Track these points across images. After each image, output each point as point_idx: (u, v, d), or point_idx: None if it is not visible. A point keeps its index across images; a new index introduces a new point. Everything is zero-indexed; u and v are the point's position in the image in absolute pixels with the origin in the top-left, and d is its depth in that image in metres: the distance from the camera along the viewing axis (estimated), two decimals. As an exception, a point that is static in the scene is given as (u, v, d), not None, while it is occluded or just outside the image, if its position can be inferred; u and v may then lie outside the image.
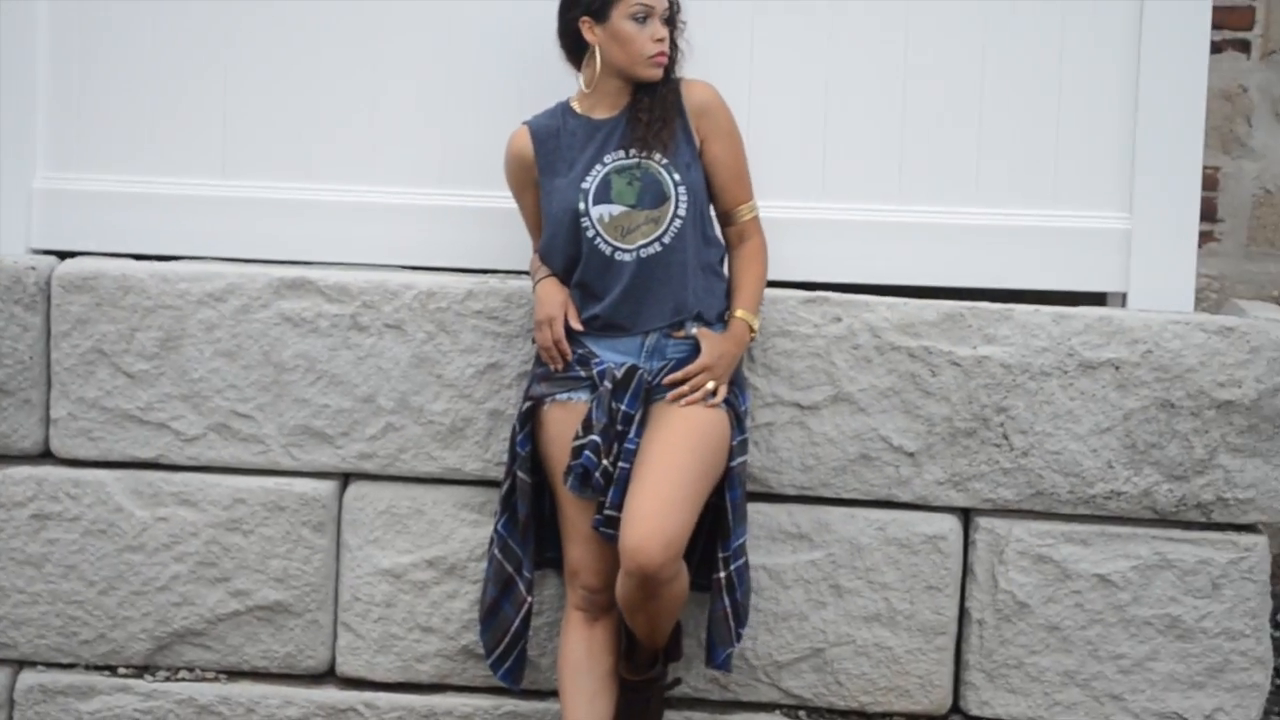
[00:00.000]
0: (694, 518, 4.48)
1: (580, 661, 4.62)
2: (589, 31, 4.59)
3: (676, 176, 4.56)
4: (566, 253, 4.61)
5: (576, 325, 4.61)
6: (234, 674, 5.03)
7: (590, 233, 4.55)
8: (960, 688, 4.94)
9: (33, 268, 5.00)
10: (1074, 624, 4.86)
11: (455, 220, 5.06)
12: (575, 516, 4.60)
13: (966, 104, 5.00)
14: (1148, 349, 4.81)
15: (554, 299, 4.63)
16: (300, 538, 4.97)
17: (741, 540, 4.64)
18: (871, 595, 4.89)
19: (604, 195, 4.57)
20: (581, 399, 4.58)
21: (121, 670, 5.03)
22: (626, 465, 4.48)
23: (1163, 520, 4.86)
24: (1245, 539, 4.86)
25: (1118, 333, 4.82)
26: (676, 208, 4.55)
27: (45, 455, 5.04)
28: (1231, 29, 5.71)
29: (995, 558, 4.88)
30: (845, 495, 4.90)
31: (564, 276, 4.64)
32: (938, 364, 4.85)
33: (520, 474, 4.66)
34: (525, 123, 4.70)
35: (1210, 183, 5.65)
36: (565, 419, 4.58)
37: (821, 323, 4.86)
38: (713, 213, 4.70)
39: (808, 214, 5.01)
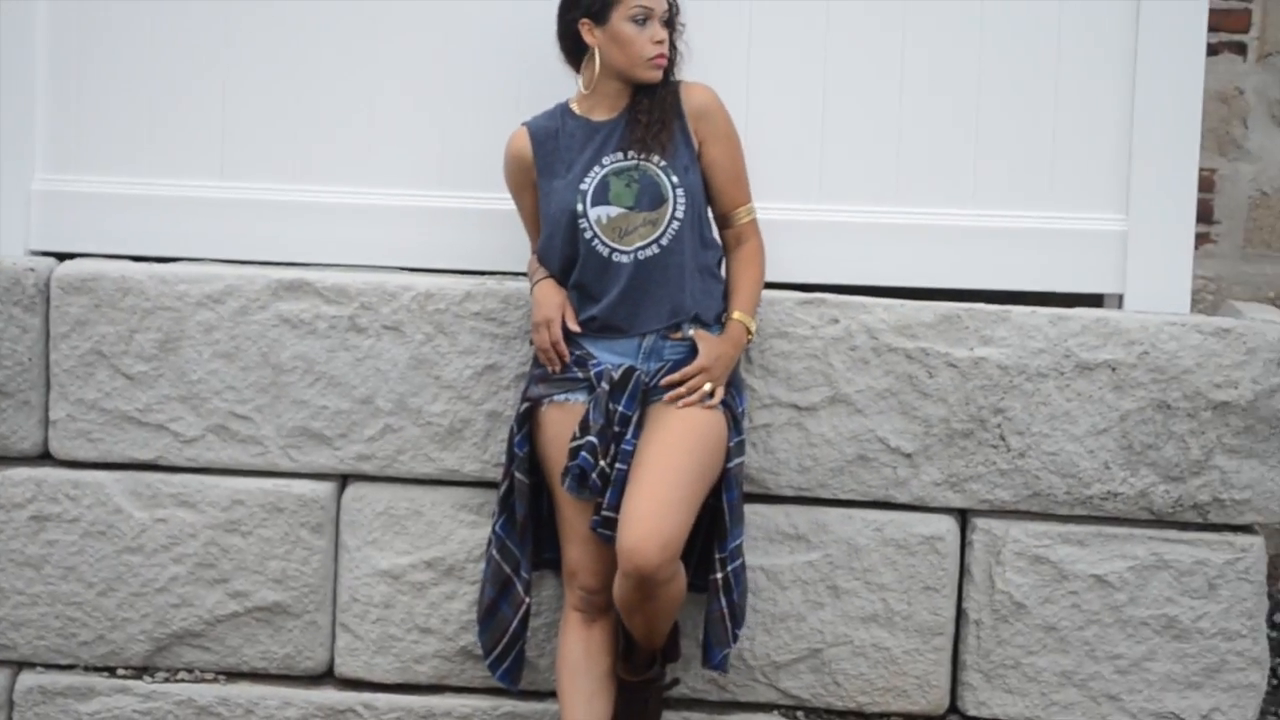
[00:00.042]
0: (691, 519, 4.49)
1: (578, 662, 4.63)
2: (588, 33, 4.60)
3: (674, 179, 4.57)
4: (564, 254, 4.62)
5: (574, 327, 4.61)
6: (233, 675, 5.04)
7: (588, 234, 4.56)
8: (957, 688, 4.95)
9: (32, 269, 5.01)
10: (1071, 624, 4.87)
11: (454, 222, 5.06)
12: (573, 517, 4.61)
13: (963, 106, 5.01)
14: (1144, 350, 4.82)
15: (552, 300, 4.63)
16: (299, 539, 4.97)
17: (738, 541, 4.64)
18: (869, 596, 4.90)
19: (602, 197, 4.57)
20: (579, 400, 4.59)
21: (120, 671, 5.04)
22: (624, 466, 4.49)
23: (1159, 521, 4.87)
24: (1241, 540, 4.86)
25: (1114, 334, 4.83)
26: (674, 210, 4.56)
27: (44, 457, 5.05)
28: (1228, 31, 5.71)
29: (992, 558, 4.88)
30: (843, 496, 4.90)
31: (561, 278, 4.65)
32: (935, 365, 4.85)
33: (518, 475, 4.66)
34: (524, 124, 4.71)
35: (1206, 185, 5.66)
36: (563, 420, 4.59)
37: (819, 324, 4.87)
38: (710, 215, 4.71)
39: (805, 216, 5.01)
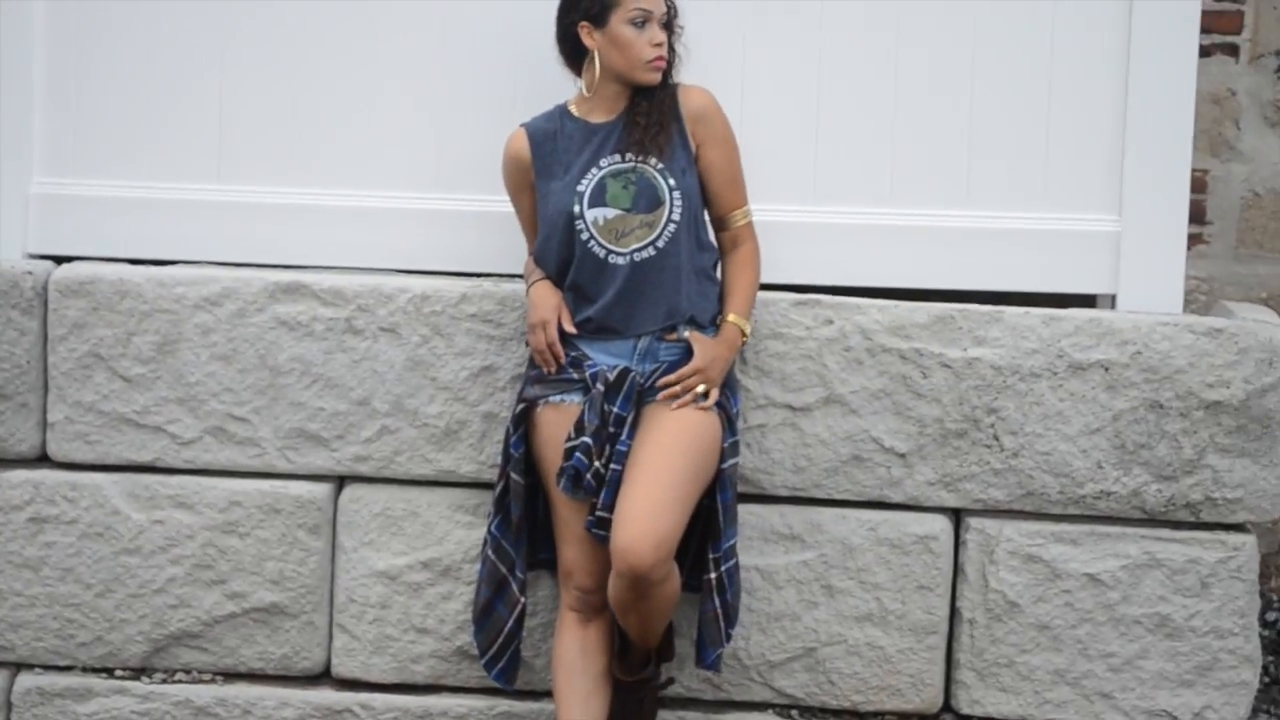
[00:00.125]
0: (685, 519, 4.50)
1: (574, 662, 4.64)
2: (587, 36, 4.61)
3: (671, 181, 4.59)
4: (561, 255, 4.63)
5: (570, 328, 4.63)
6: (230, 676, 5.05)
7: (585, 235, 4.58)
8: (951, 687, 4.96)
9: (29, 272, 5.02)
10: (1064, 623, 4.88)
11: (450, 224, 5.07)
12: (569, 518, 4.62)
13: (957, 107, 5.02)
14: (1137, 350, 4.84)
15: (548, 302, 4.65)
16: (296, 540, 4.99)
17: (732, 542, 4.66)
18: (863, 595, 4.91)
19: (599, 199, 4.59)
20: (574, 401, 4.61)
21: (118, 672, 5.05)
22: (618, 467, 4.51)
23: (1152, 520, 4.89)
24: (1234, 538, 4.88)
25: (1107, 334, 4.84)
26: (671, 212, 4.58)
27: (42, 459, 5.06)
28: (1220, 33, 5.72)
29: (986, 557, 4.90)
30: (837, 496, 4.91)
31: (558, 279, 4.66)
32: (929, 366, 4.87)
33: (514, 475, 4.68)
34: (522, 125, 4.72)
35: (1199, 186, 5.66)
36: (558, 421, 4.61)
37: (813, 325, 4.89)
38: (707, 217, 4.72)
39: (799, 217, 5.02)
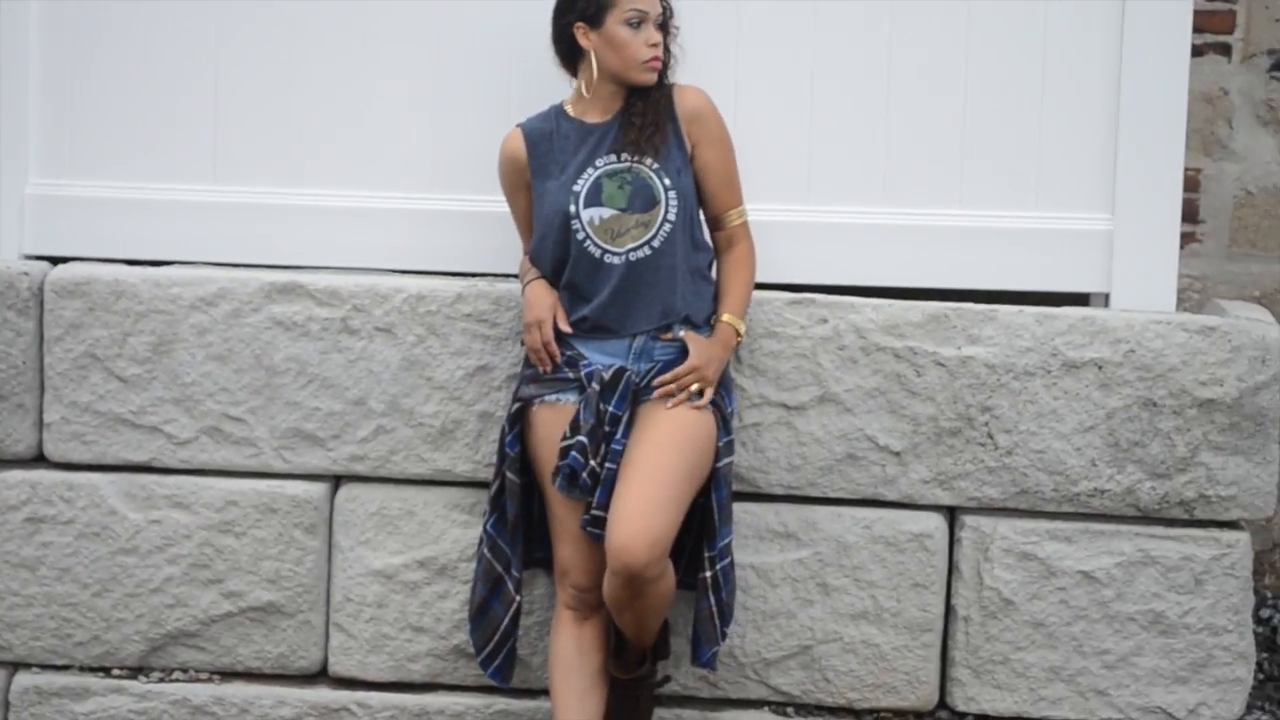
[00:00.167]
0: (679, 517, 4.51)
1: (570, 660, 4.65)
2: (583, 37, 4.62)
3: (667, 181, 4.60)
4: (556, 254, 4.64)
5: (565, 327, 4.64)
6: (227, 675, 5.06)
7: (580, 235, 4.59)
8: (946, 684, 4.97)
9: (26, 273, 5.02)
10: (1059, 620, 4.90)
11: (445, 224, 5.08)
12: (564, 516, 4.63)
13: (950, 107, 5.03)
14: (1130, 348, 4.85)
15: (543, 301, 4.66)
16: (292, 539, 5.00)
17: (727, 540, 4.67)
18: (858, 593, 4.93)
19: (595, 198, 4.60)
20: (570, 400, 4.62)
21: (116, 672, 5.06)
22: (613, 466, 4.52)
23: (1146, 517, 4.90)
24: (1227, 535, 4.89)
25: (1101, 332, 4.86)
26: (666, 212, 4.59)
27: (39, 459, 5.07)
28: (1213, 33, 5.73)
29: (980, 555, 4.91)
30: (832, 494, 4.93)
31: (553, 278, 4.67)
32: (923, 364, 4.88)
33: (509, 474, 4.69)
34: (519, 125, 4.73)
35: (1192, 185, 5.67)
36: (554, 420, 4.62)
37: (808, 324, 4.90)
38: (702, 217, 4.73)
39: (793, 216, 5.03)
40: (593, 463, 4.52)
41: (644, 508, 4.42)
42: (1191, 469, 4.86)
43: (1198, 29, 5.30)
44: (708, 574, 4.63)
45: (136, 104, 5.14)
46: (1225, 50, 5.76)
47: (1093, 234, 5.02)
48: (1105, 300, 5.03)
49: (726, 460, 4.66)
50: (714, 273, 4.74)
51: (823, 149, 5.06)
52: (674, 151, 4.62)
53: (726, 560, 4.66)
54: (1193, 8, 5.00)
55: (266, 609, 5.01)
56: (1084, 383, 4.85)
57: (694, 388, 4.57)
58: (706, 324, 4.68)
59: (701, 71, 4.80)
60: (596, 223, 4.59)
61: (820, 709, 4.98)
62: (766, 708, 4.99)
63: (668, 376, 4.57)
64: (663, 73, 4.64)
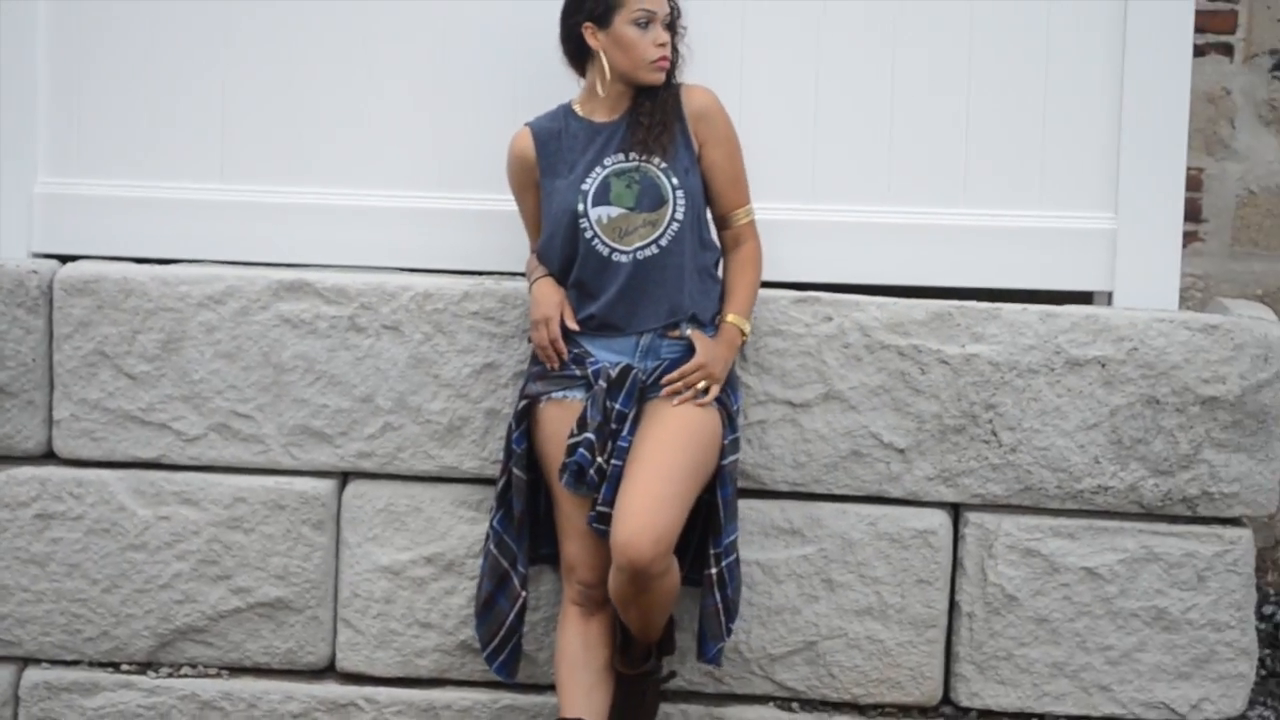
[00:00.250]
0: (684, 514, 4.53)
1: (577, 655, 4.67)
2: (592, 37, 4.63)
3: (675, 180, 4.61)
4: (564, 253, 4.66)
5: (572, 325, 4.65)
6: (236, 670, 5.07)
7: (588, 234, 4.60)
8: (951, 679, 4.99)
9: (35, 271, 5.04)
10: (1062, 616, 4.91)
11: (452, 223, 5.09)
12: (571, 513, 4.65)
13: (953, 107, 5.04)
14: (1133, 346, 4.86)
15: (550, 299, 4.68)
16: (300, 535, 5.01)
17: (733, 537, 4.68)
18: (863, 589, 4.94)
19: (603, 197, 4.61)
20: (577, 397, 4.64)
21: (125, 667, 5.07)
22: (619, 463, 4.53)
23: (1149, 514, 4.91)
24: (1230, 532, 4.91)
25: (1104, 331, 4.87)
26: (674, 211, 4.61)
27: (48, 456, 5.08)
28: (1215, 33, 5.73)
29: (984, 552, 4.93)
30: (837, 491, 4.94)
31: (560, 276, 4.69)
32: (927, 362, 4.90)
33: (516, 471, 4.70)
34: (527, 124, 4.74)
35: (1194, 184, 5.68)
36: (561, 417, 4.64)
37: (812, 322, 4.91)
38: (709, 216, 4.76)
39: (798, 215, 5.04)
40: (599, 459, 4.54)
41: (649, 504, 4.44)
42: (1194, 466, 4.87)
43: (1199, 29, 5.31)
44: (713, 570, 4.65)
45: (143, 103, 5.16)
46: (1227, 50, 5.77)
47: (1096, 233, 5.03)
48: (1108, 299, 5.04)
49: (732, 457, 4.68)
50: (721, 271, 4.76)
51: (827, 148, 5.07)
52: (681, 151, 4.64)
53: (732, 557, 4.68)
54: (1194, 8, 5.00)
55: (275, 605, 5.03)
56: (1087, 380, 4.87)
57: (701, 385, 4.59)
58: (713, 323, 4.69)
59: (707, 71, 4.80)
60: (604, 221, 4.61)
61: (825, 704, 5.00)
62: (771, 703, 5.00)
63: (674, 375, 4.59)
64: (670, 72, 4.66)
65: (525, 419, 4.70)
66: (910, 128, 5.06)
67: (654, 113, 4.63)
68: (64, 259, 5.13)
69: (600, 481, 4.55)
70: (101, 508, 5.03)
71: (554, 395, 4.66)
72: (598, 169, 4.63)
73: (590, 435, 4.54)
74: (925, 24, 5.04)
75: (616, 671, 4.71)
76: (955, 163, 5.06)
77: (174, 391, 5.01)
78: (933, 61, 5.05)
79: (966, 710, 4.99)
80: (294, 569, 5.02)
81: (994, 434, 4.89)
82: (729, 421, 4.67)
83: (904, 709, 4.99)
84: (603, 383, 4.59)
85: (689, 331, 4.63)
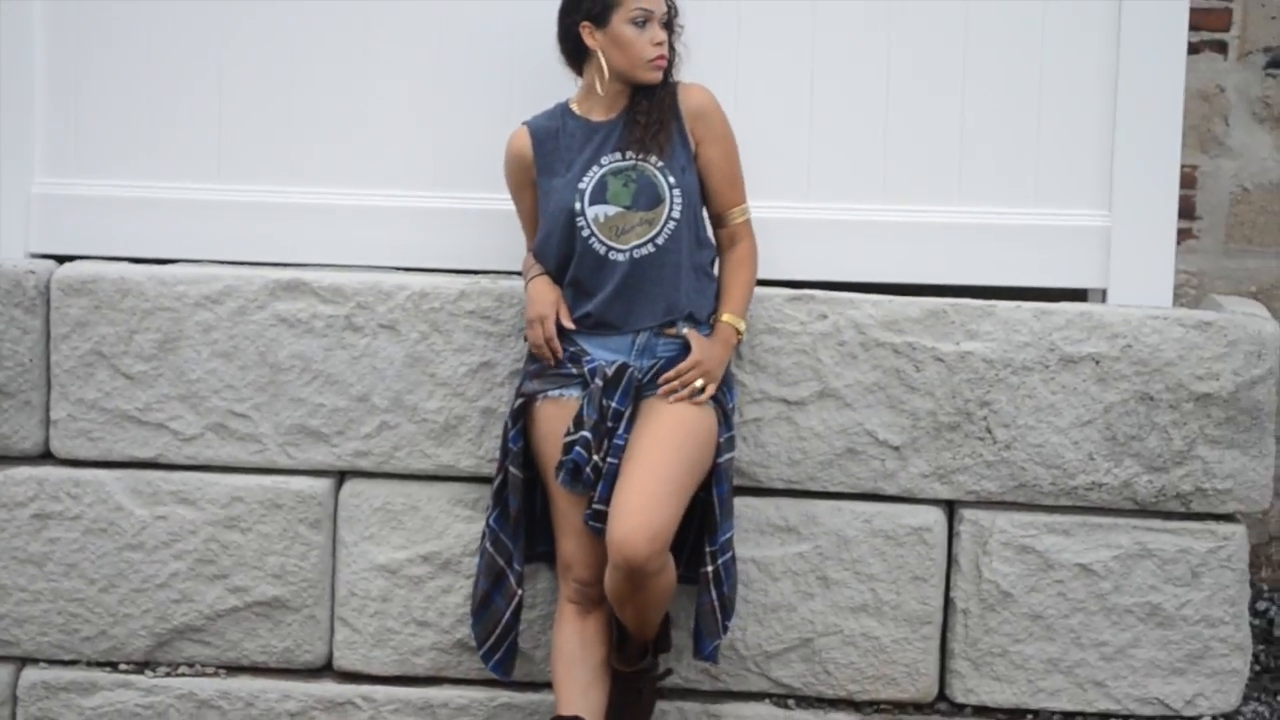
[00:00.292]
0: (680, 512, 4.54)
1: (574, 653, 4.68)
2: (589, 36, 4.64)
3: (671, 179, 4.62)
4: (561, 251, 4.67)
5: (568, 323, 4.66)
6: (233, 669, 5.08)
7: (585, 232, 4.61)
8: (946, 676, 5.00)
9: (32, 271, 5.05)
10: (1057, 612, 4.92)
11: (447, 222, 5.10)
12: (567, 510, 4.66)
13: (948, 105, 5.05)
14: (1127, 343, 4.88)
15: (545, 298, 4.69)
16: (297, 534, 5.03)
17: (728, 535, 4.69)
18: (858, 586, 4.95)
19: (600, 196, 4.62)
20: (573, 396, 4.65)
21: (122, 666, 5.08)
22: (615, 461, 4.54)
23: (1143, 511, 4.92)
24: (1224, 528, 4.91)
25: (1098, 328, 4.88)
26: (671, 210, 4.62)
27: (46, 456, 5.09)
28: (1209, 30, 5.73)
29: (979, 548, 4.94)
30: (832, 489, 4.95)
31: (558, 275, 4.69)
32: (922, 360, 4.91)
33: (512, 469, 4.71)
34: (525, 123, 4.75)
35: (1189, 181, 5.69)
36: (557, 415, 4.65)
37: (808, 320, 4.92)
38: (706, 215, 4.77)
39: (793, 213, 5.05)
40: (596, 458, 4.55)
41: (645, 502, 4.45)
42: (1188, 462, 4.88)
43: (1194, 26, 5.33)
44: (709, 568, 4.66)
45: (141, 103, 5.17)
46: (1221, 48, 5.77)
47: (1090, 230, 5.04)
48: (1102, 296, 5.05)
49: (727, 455, 4.69)
50: (716, 270, 4.77)
51: (822, 146, 5.08)
52: (678, 149, 4.65)
53: (728, 555, 4.69)
54: (1189, 5, 5.01)
55: (272, 604, 5.04)
56: (1081, 377, 4.88)
57: (697, 384, 4.60)
58: (709, 321, 4.70)
59: (702, 70, 4.81)
60: (601, 220, 4.62)
61: (821, 701, 5.01)
62: (768, 700, 5.02)
63: (671, 374, 4.60)
64: (668, 71, 4.67)
65: (521, 417, 4.71)
66: (905, 126, 5.07)
67: (651, 111, 4.64)
68: (61, 259, 5.14)
69: (596, 479, 4.55)
70: (99, 507, 5.04)
71: (550, 393, 4.67)
72: (595, 168, 4.64)
73: (586, 433, 4.55)
74: (919, 23, 5.04)
75: (613, 669, 4.72)
76: (950, 161, 5.07)
77: (171, 391, 5.02)
78: (928, 60, 5.06)
79: (962, 706, 5.00)
80: (291, 568, 5.03)
81: (989, 431, 4.90)
82: (724, 420, 4.68)
83: (899, 705, 5.00)
84: (599, 381, 4.60)
85: (685, 330, 4.64)
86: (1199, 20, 5.59)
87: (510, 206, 4.85)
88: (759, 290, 4.85)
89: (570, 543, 4.68)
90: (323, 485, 5.04)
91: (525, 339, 4.77)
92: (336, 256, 5.13)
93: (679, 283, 4.63)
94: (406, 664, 5.04)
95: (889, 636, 4.95)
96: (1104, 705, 4.95)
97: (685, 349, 4.64)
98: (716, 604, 4.67)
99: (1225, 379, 4.85)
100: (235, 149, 5.16)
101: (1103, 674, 4.93)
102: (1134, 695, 4.94)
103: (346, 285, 4.99)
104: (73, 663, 5.10)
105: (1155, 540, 4.91)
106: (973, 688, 4.97)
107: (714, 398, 4.63)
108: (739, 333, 4.71)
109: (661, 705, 4.92)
